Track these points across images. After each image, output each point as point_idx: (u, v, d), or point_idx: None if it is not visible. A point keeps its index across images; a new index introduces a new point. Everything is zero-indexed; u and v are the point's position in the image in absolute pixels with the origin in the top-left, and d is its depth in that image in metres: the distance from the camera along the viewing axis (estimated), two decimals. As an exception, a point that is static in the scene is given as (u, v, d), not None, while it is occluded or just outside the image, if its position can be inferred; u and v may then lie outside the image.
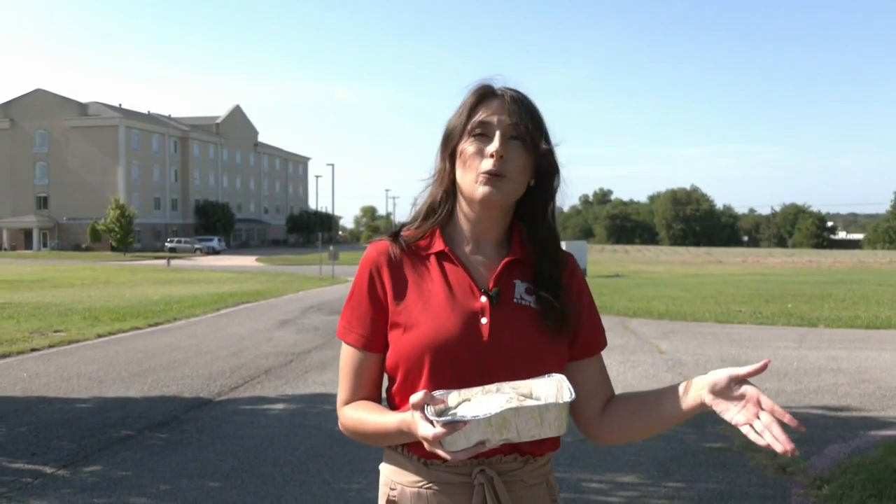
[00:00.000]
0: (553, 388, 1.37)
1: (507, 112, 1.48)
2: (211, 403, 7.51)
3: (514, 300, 1.51)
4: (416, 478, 1.50)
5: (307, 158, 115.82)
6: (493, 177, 1.46)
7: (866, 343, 11.76)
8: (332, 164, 73.78)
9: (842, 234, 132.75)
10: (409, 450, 1.51)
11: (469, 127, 1.49)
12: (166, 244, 72.72)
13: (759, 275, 36.73)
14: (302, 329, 13.68)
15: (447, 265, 1.54)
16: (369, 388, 1.56)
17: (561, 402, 1.32)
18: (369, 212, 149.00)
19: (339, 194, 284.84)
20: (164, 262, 50.63)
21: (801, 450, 5.81)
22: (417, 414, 1.31)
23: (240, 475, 5.15)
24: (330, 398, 7.67)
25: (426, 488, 1.49)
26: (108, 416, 6.87)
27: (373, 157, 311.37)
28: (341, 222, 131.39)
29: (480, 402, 1.34)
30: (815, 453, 5.63)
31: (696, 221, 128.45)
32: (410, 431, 1.36)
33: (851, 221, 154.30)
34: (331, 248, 37.36)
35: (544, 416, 1.30)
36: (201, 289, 24.45)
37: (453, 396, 1.37)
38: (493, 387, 1.37)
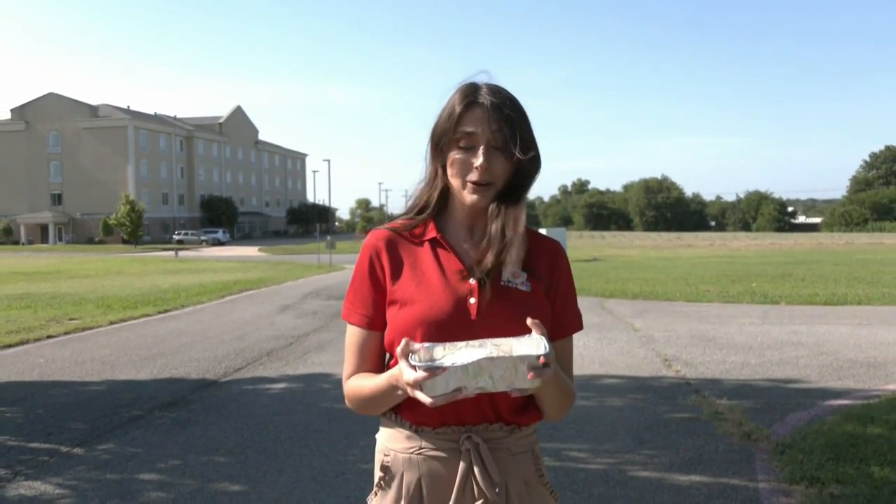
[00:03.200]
0: (532, 346, 1.37)
1: (489, 122, 1.48)
2: (216, 384, 7.47)
3: (502, 282, 1.52)
4: (408, 444, 1.53)
5: (305, 155, 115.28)
6: (479, 186, 1.50)
7: (824, 318, 11.82)
8: (329, 160, 73.68)
9: (801, 219, 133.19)
10: (401, 416, 1.54)
11: (456, 137, 1.51)
12: (174, 236, 72.40)
13: (725, 257, 36.85)
14: (302, 314, 13.62)
15: (440, 251, 1.56)
16: (371, 364, 1.58)
17: (534, 354, 1.32)
18: (364, 203, 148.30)
19: (335, 188, 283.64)
20: (172, 253, 50.32)
21: (764, 418, 5.86)
22: (403, 362, 1.35)
23: (243, 450, 5.12)
24: (327, 377, 7.65)
25: (417, 454, 1.51)
26: (119, 398, 6.82)
27: (366, 152, 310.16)
28: (338, 214, 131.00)
29: (462, 354, 1.36)
30: (778, 421, 5.66)
31: (667, 208, 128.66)
32: (398, 383, 1.41)
33: (810, 206, 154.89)
34: (328, 238, 37.24)
35: (518, 367, 1.31)
36: (207, 277, 24.32)
37: (439, 349, 1.38)
38: (476, 342, 1.39)
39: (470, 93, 1.52)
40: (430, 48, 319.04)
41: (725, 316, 12.42)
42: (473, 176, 1.49)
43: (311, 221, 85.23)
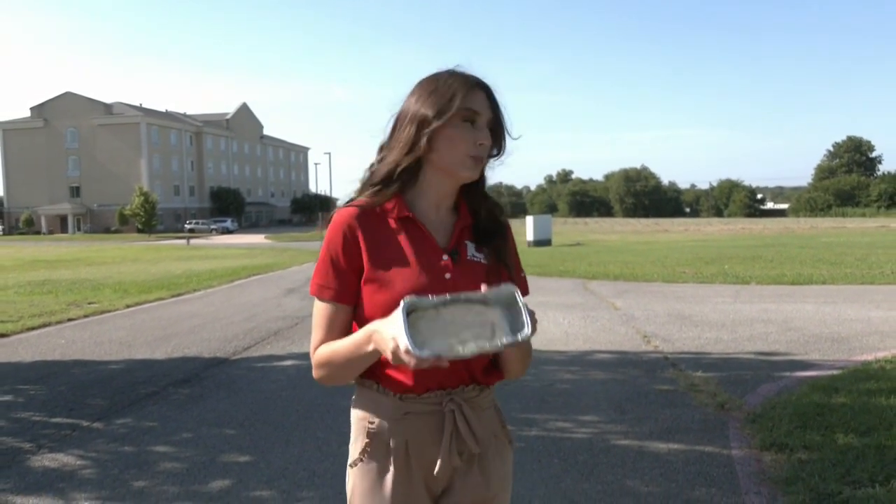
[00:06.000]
0: (506, 292, 1.38)
1: (490, 106, 1.51)
2: (227, 362, 7.44)
3: (468, 257, 1.55)
4: (393, 411, 1.52)
5: (307, 148, 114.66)
6: (476, 160, 1.50)
7: (791, 297, 11.85)
8: (329, 153, 73.98)
9: (770, 205, 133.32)
10: (385, 387, 1.53)
11: (457, 111, 1.48)
12: (186, 226, 72.06)
13: (699, 241, 36.89)
14: (306, 296, 13.56)
15: (412, 228, 1.54)
16: (340, 336, 1.52)
17: (520, 339, 1.33)
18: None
19: (336, 179, 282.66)
20: (184, 241, 50.11)
21: (737, 389, 5.87)
22: (401, 323, 1.30)
23: (253, 423, 5.11)
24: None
25: (403, 419, 1.51)
26: (136, 376, 6.79)
27: (366, 146, 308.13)
28: (339, 203, 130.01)
29: (452, 323, 1.34)
30: (749, 392, 5.67)
31: (646, 196, 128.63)
32: (379, 338, 1.37)
33: (778, 193, 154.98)
34: (330, 225, 37.02)
35: (516, 318, 1.35)
36: (217, 264, 24.22)
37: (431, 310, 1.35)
38: (459, 296, 1.37)
39: (469, 76, 1.53)
40: (420, 44, 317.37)
41: (700, 295, 12.44)
42: (474, 151, 1.49)
43: (315, 210, 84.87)
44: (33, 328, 9.94)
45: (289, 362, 7.37)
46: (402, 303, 1.32)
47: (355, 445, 1.57)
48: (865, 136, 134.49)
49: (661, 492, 3.74)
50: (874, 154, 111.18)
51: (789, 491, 3.62)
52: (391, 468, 1.51)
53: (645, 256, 23.19)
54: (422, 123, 1.51)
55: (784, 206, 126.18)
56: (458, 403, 1.52)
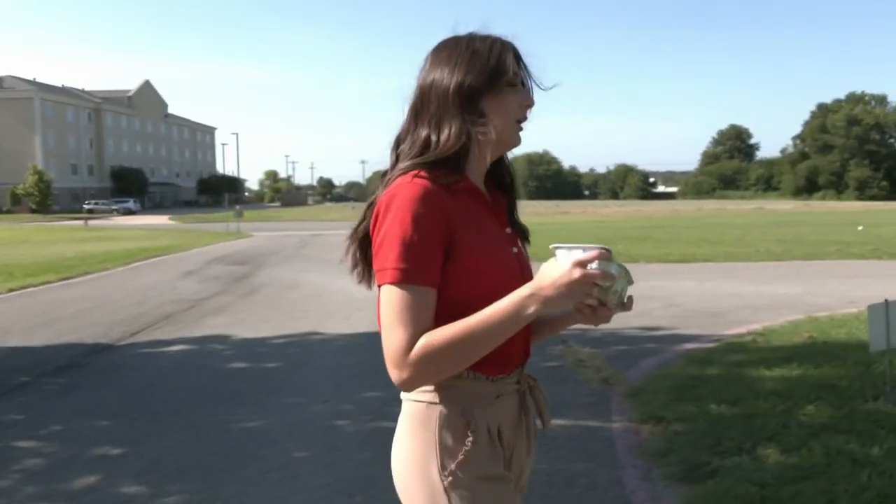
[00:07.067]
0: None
1: (521, 66, 1.39)
2: (111, 348, 6.93)
3: (508, 231, 1.44)
4: (487, 396, 1.34)
5: (214, 128, 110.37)
6: (521, 126, 1.39)
7: (675, 275, 12.27)
8: (237, 134, 72.02)
9: (661, 188, 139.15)
10: (479, 372, 1.32)
11: (508, 79, 1.34)
12: (84, 206, 67.95)
13: (596, 222, 37.94)
14: (204, 278, 12.97)
15: (480, 202, 1.38)
16: (431, 325, 1.25)
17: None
18: (272, 175, 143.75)
19: (244, 160, 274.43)
20: (82, 222, 47.22)
21: (621, 364, 5.91)
22: (576, 270, 1.20)
23: (130, 413, 4.73)
24: (223, 339, 7.26)
25: (496, 401, 1.35)
26: (8, 364, 6.22)
27: (274, 127, 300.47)
28: (247, 185, 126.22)
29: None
30: (632, 366, 5.75)
31: (548, 179, 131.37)
32: (550, 288, 1.21)
33: (669, 178, 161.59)
34: (237, 207, 35.84)
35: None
36: (116, 245, 22.85)
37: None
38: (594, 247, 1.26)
39: (496, 36, 1.39)
40: (326, 27, 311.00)
41: (593, 273, 12.67)
42: (523, 114, 1.37)
43: (221, 192, 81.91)
44: None
45: (177, 347, 6.94)
46: (563, 247, 1.25)
47: (448, 450, 1.30)
48: (745, 125, 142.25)
49: (545, 469, 3.67)
50: (752, 141, 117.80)
51: (663, 463, 3.64)
52: (497, 460, 1.34)
53: (545, 238, 23.57)
54: (472, 93, 1.33)
55: (674, 189, 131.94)
56: (530, 381, 1.44)
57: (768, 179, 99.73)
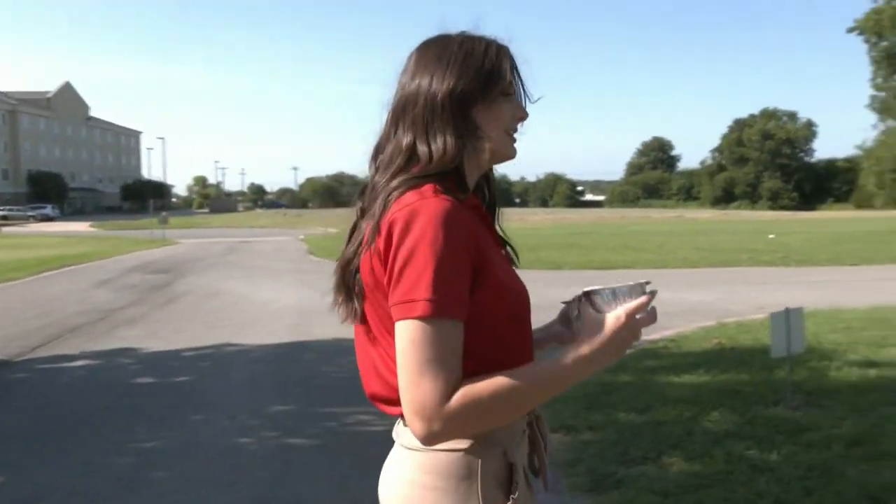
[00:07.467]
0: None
1: (515, 74, 1.26)
2: (6, 364, 6.46)
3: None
4: (516, 433, 1.20)
5: (139, 132, 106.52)
6: (513, 137, 1.26)
7: (597, 281, 12.35)
8: (163, 138, 69.02)
9: (589, 197, 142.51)
10: None
11: (503, 87, 1.21)
12: (-2, 212, 64.30)
13: (524, 229, 38.38)
14: (120, 288, 12.37)
15: (483, 218, 1.24)
16: (461, 364, 1.07)
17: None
18: (200, 181, 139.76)
19: (172, 166, 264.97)
20: (-6, 229, 44.63)
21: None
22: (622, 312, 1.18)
23: (17, 436, 4.39)
24: (132, 352, 6.90)
25: (522, 437, 1.23)
26: None
27: (202, 132, 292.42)
28: (174, 190, 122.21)
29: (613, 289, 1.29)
30: (548, 374, 5.73)
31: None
32: (606, 358, 1.16)
33: (596, 186, 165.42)
34: (162, 213, 34.56)
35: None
36: (29, 253, 21.63)
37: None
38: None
39: (491, 38, 1.25)
40: (258, 30, 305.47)
41: (518, 281, 12.75)
42: (513, 126, 1.24)
43: (147, 198, 79.11)
44: None
45: (80, 362, 6.54)
46: (603, 291, 1.25)
47: (490, 485, 1.13)
48: (668, 137, 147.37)
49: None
50: (675, 153, 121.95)
51: (571, 473, 3.60)
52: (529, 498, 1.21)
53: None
54: (464, 99, 1.18)
55: (601, 197, 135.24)
56: (537, 414, 1.29)
57: (689, 189, 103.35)
